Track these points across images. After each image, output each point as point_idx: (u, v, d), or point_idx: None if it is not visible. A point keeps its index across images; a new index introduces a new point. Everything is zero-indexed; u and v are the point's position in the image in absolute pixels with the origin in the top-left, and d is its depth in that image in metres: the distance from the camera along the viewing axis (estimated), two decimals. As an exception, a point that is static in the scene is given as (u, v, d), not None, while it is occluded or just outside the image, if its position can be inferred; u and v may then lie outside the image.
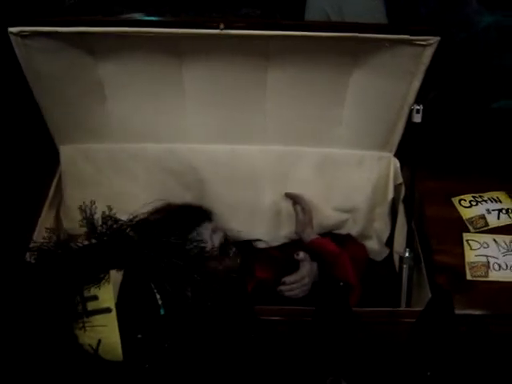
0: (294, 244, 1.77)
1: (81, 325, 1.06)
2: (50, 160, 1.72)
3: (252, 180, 1.76)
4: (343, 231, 1.81)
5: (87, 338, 1.07)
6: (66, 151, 1.70)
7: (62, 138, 1.68)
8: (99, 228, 1.04)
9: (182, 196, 1.75)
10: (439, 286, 1.41)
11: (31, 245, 1.08)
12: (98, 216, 1.10)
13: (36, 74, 1.48)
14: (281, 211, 1.79)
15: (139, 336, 1.07)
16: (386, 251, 1.79)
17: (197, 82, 1.56)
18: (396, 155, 1.72)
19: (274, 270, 1.69)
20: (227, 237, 1.66)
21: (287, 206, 1.77)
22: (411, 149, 1.55)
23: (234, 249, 1.64)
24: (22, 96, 1.55)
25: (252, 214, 1.78)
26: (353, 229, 1.80)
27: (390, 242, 1.77)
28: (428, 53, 1.41)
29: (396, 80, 1.51)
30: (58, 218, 1.74)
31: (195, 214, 1.65)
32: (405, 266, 1.55)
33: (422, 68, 1.45)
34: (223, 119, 1.66)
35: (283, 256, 1.75)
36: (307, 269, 1.52)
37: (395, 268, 1.69)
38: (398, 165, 1.72)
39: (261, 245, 1.82)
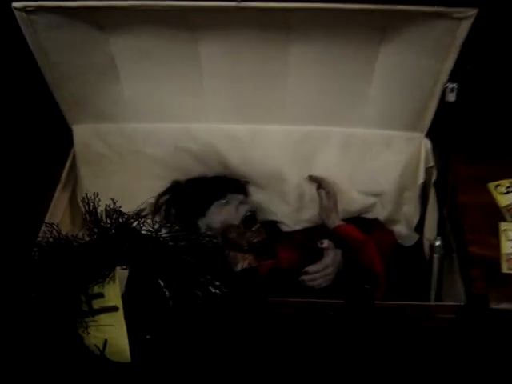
0: (318, 228, 1.69)
1: (86, 324, 1.00)
2: (64, 141, 1.65)
3: (273, 161, 1.67)
4: (370, 215, 1.72)
5: (93, 338, 1.01)
6: (78, 131, 1.63)
7: (74, 117, 1.61)
8: (103, 222, 0.96)
9: (202, 174, 1.69)
10: (472, 292, 1.31)
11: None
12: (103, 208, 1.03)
13: (43, 50, 1.40)
14: (304, 194, 1.70)
15: (148, 337, 1.00)
16: (416, 237, 1.69)
17: (214, 58, 1.46)
18: (428, 136, 1.60)
19: (297, 253, 1.62)
20: (255, 213, 1.63)
21: (310, 188, 1.68)
22: (445, 130, 1.45)
23: (258, 225, 1.60)
24: (33, 75, 1.47)
25: (274, 196, 1.70)
26: (380, 213, 1.71)
27: (419, 228, 1.67)
28: (464, 26, 1.29)
29: (428, 56, 1.39)
30: (72, 201, 1.68)
31: (229, 183, 1.65)
32: (435, 255, 1.46)
33: (458, 43, 1.33)
34: (242, 98, 1.56)
35: (307, 241, 1.67)
36: (331, 257, 1.43)
37: (425, 255, 1.60)
38: (430, 146, 1.61)
39: (284, 228, 1.74)
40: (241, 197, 1.63)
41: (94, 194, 1.00)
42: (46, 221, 1.49)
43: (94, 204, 0.98)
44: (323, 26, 1.36)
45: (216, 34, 1.40)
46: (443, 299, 1.44)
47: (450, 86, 1.38)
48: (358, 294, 1.06)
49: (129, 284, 1.00)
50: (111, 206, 0.97)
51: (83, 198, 1.00)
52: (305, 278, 1.42)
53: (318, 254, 1.45)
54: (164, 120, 1.62)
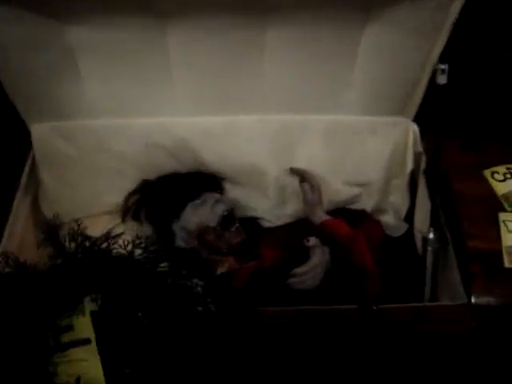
0: (302, 223, 1.58)
1: (55, 361, 0.88)
2: (22, 142, 1.51)
3: (252, 154, 1.55)
4: (357, 206, 1.62)
5: (64, 376, 0.89)
6: (38, 130, 1.49)
7: (32, 115, 1.47)
8: (67, 246, 0.83)
9: (175, 171, 1.57)
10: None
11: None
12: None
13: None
14: (285, 187, 1.59)
15: (127, 371, 0.89)
16: (405, 227, 1.59)
17: (183, 46, 1.34)
18: (416, 121, 1.50)
19: (281, 251, 1.51)
20: (233, 211, 1.51)
21: (292, 181, 1.57)
22: (435, 114, 1.35)
23: (237, 224, 1.49)
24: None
25: (253, 190, 1.59)
26: (367, 203, 1.61)
27: (409, 219, 1.58)
28: (457, 4, 1.18)
29: (417, 36, 1.29)
30: (34, 209, 1.55)
31: (204, 180, 1.53)
32: (429, 248, 1.37)
33: (450, 21, 1.22)
34: (216, 88, 1.44)
35: (290, 237, 1.56)
36: (319, 257, 1.34)
37: (417, 248, 1.51)
38: (417, 131, 1.51)
39: (266, 224, 1.63)
40: (217, 195, 1.51)
41: (53, 216, 0.87)
42: (6, 231, 1.37)
43: (55, 225, 0.85)
44: (302, 7, 1.25)
45: (185, 19, 1.27)
46: (439, 297, 1.35)
47: (441, 67, 1.28)
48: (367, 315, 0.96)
49: (101, 313, 0.88)
50: (75, 228, 0.84)
51: (40, 220, 0.87)
52: (292, 280, 1.32)
53: (303, 251, 1.35)
54: (132, 115, 1.49)
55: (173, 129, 1.51)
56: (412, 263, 1.46)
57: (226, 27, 1.29)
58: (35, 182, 1.54)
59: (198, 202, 1.48)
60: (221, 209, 1.48)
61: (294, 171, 1.55)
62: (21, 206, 1.47)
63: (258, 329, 1.10)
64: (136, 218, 1.55)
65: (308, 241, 1.34)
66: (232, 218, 1.49)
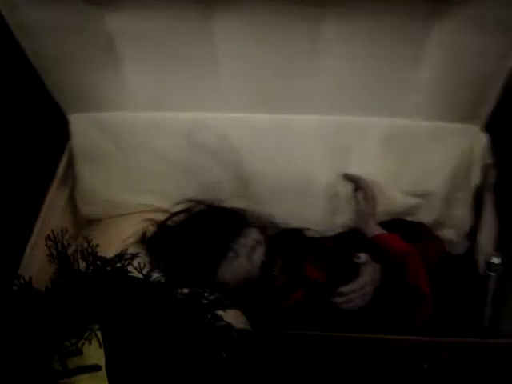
0: (352, 235, 1.45)
1: (61, 386, 0.79)
2: (61, 132, 1.42)
3: (302, 157, 1.42)
4: (414, 218, 1.48)
5: (70, 403, 0.80)
6: (76, 120, 1.40)
7: (71, 105, 1.38)
8: (77, 266, 0.74)
9: (215, 175, 1.45)
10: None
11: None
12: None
13: (28, 32, 1.18)
14: (338, 195, 1.45)
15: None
16: (466, 244, 1.45)
17: (230, 36, 1.22)
18: (488, 131, 1.35)
19: (327, 268, 1.39)
20: (269, 247, 1.33)
21: (345, 188, 1.44)
22: (509, 124, 1.20)
23: (278, 263, 1.32)
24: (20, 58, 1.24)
25: (302, 198, 1.46)
26: (426, 216, 1.46)
27: (472, 237, 1.43)
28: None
29: (493, 35, 1.14)
30: (71, 201, 1.47)
31: (229, 225, 1.34)
32: (492, 274, 1.23)
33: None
34: (265, 83, 1.31)
35: (339, 248, 1.44)
36: (369, 274, 1.21)
37: (478, 269, 1.36)
38: (487, 141, 1.35)
39: (312, 233, 1.51)
40: (249, 241, 1.30)
41: (62, 231, 0.77)
42: (39, 222, 1.30)
43: (63, 244, 0.75)
44: (363, -1, 1.11)
45: (232, 7, 1.15)
46: (500, 328, 1.22)
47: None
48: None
49: (113, 339, 0.78)
50: (85, 246, 0.74)
51: (48, 234, 0.78)
52: (338, 300, 1.20)
53: (353, 267, 1.23)
54: (173, 108, 1.38)
55: (217, 125, 1.40)
56: (472, 286, 1.32)
57: (277, 17, 1.17)
58: (72, 174, 1.45)
59: (231, 255, 1.29)
60: (258, 257, 1.29)
61: (348, 178, 1.42)
62: (55, 200, 1.40)
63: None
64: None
65: (358, 257, 1.21)
66: (272, 258, 1.31)
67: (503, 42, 1.14)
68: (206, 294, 0.78)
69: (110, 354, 0.78)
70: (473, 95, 1.28)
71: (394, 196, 1.44)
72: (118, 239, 1.38)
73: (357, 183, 1.40)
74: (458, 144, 1.37)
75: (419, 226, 1.46)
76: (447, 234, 1.47)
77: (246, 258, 1.28)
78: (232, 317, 1.25)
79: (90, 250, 0.74)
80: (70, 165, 1.44)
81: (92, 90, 1.35)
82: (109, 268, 0.74)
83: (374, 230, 1.36)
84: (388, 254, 1.30)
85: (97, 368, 0.79)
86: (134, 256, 0.77)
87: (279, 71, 1.29)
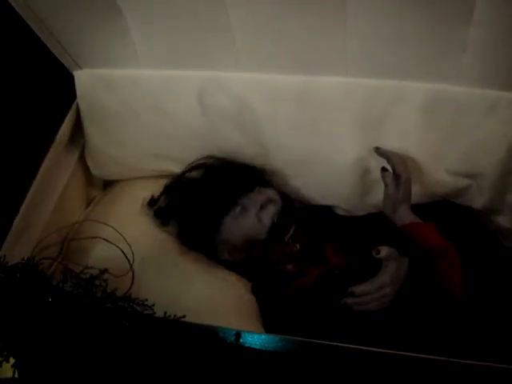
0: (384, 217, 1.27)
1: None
2: (63, 91, 1.30)
3: (329, 126, 1.23)
4: (461, 201, 1.27)
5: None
6: (81, 77, 1.27)
7: (74, 61, 1.24)
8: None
9: (234, 140, 1.29)
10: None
11: None
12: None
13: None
14: (369, 170, 1.26)
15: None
16: (523, 235, 1.23)
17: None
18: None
19: (349, 252, 1.22)
20: (287, 211, 1.19)
21: (378, 163, 1.24)
22: None
23: (292, 229, 1.17)
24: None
25: (328, 172, 1.28)
26: (476, 200, 1.26)
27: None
28: None
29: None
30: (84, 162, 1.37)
31: (241, 179, 1.22)
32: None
33: None
34: (285, 38, 1.12)
35: (366, 232, 1.26)
36: (391, 273, 1.02)
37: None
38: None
39: (342, 212, 1.33)
40: (261, 197, 1.18)
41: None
42: (39, 181, 1.20)
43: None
44: None
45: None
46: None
47: None
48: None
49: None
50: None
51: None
52: (349, 301, 1.03)
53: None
54: (185, 66, 1.22)
55: (232, 86, 1.22)
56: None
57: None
58: (82, 135, 1.34)
59: (237, 211, 1.18)
60: (269, 216, 1.17)
61: (379, 153, 1.22)
62: (61, 161, 1.29)
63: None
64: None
65: (378, 251, 1.02)
66: (286, 221, 1.18)
67: None
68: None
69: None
70: (536, 58, 1.04)
71: (437, 175, 1.24)
72: (134, 203, 1.32)
73: (388, 158, 1.20)
74: (515, 118, 1.13)
75: (465, 211, 1.25)
76: (500, 221, 1.27)
77: (254, 214, 1.17)
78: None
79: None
80: (78, 126, 1.33)
81: (96, 45, 1.21)
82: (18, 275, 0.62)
83: (405, 217, 1.17)
84: (418, 248, 1.12)
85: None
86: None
87: (300, 25, 1.09)
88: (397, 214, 1.18)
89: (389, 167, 1.21)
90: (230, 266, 1.24)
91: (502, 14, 0.98)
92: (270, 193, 1.21)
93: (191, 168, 1.30)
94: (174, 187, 1.30)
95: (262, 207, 1.17)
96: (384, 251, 1.01)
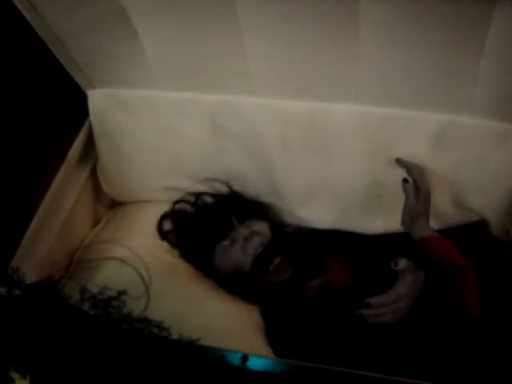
0: (396, 237, 1.28)
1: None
2: (76, 109, 1.32)
3: (339, 152, 1.25)
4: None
5: None
6: (94, 96, 1.29)
7: (88, 81, 1.26)
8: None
9: (242, 164, 1.31)
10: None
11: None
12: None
13: (40, 7, 1.06)
14: (379, 196, 1.27)
15: None
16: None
17: (254, 11, 1.04)
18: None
19: (357, 268, 1.23)
20: (274, 243, 1.21)
21: (391, 188, 1.24)
22: None
23: (276, 260, 1.18)
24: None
25: (338, 197, 1.29)
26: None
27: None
28: None
29: None
30: (92, 181, 1.39)
31: (233, 213, 1.25)
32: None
33: None
34: (299, 66, 1.13)
35: (375, 249, 1.27)
36: (407, 285, 1.03)
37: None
38: None
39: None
40: (245, 230, 1.21)
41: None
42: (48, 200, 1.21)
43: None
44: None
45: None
46: None
47: None
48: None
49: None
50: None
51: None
52: (365, 312, 1.03)
53: (389, 273, 1.05)
54: (198, 89, 1.23)
55: (244, 110, 1.24)
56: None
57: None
58: (90, 154, 1.36)
59: (226, 242, 1.22)
60: (253, 247, 1.19)
61: (401, 164, 1.22)
62: (70, 180, 1.30)
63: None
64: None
65: (396, 263, 1.03)
66: (271, 252, 1.19)
67: None
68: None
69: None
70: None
71: (446, 209, 1.25)
72: (144, 223, 1.34)
73: (409, 172, 1.21)
74: (525, 150, 1.15)
75: (482, 235, 1.26)
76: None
77: (239, 247, 1.20)
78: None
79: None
80: (90, 143, 1.34)
81: (111, 66, 1.23)
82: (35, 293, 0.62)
83: (423, 230, 1.17)
84: (436, 263, 1.12)
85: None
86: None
87: (313, 52, 1.10)
88: (415, 227, 1.18)
89: (410, 179, 1.21)
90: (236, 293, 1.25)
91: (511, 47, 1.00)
92: (258, 225, 1.23)
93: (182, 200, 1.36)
94: (175, 215, 1.35)
95: (246, 240, 1.20)
96: (402, 263, 1.02)
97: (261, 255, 1.18)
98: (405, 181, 1.22)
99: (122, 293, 0.68)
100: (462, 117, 1.16)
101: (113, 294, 0.67)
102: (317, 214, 1.32)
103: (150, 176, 1.37)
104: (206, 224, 1.26)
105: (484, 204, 1.22)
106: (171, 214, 1.34)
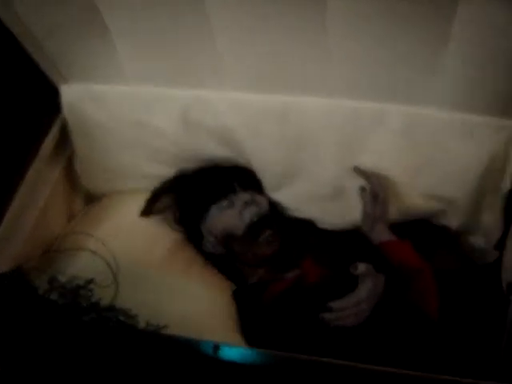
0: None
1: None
2: (48, 105, 1.32)
3: (310, 145, 1.27)
4: (436, 222, 1.30)
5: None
6: (67, 92, 1.29)
7: (60, 75, 1.26)
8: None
9: (217, 154, 1.34)
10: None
11: None
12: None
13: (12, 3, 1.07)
14: (348, 188, 1.29)
15: None
16: (495, 255, 1.27)
17: (223, 6, 1.06)
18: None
19: (328, 267, 1.25)
20: (267, 217, 1.25)
21: (354, 183, 1.27)
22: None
23: (267, 233, 1.23)
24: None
25: (309, 188, 1.32)
26: (450, 221, 1.29)
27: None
28: None
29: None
30: (67, 177, 1.39)
31: (239, 177, 1.29)
32: (513, 298, 1.05)
33: None
34: (268, 60, 1.15)
35: (345, 248, 1.29)
36: (368, 289, 1.05)
37: (503, 287, 1.18)
38: (526, 139, 1.15)
39: (326, 226, 1.36)
40: (247, 196, 1.26)
41: None
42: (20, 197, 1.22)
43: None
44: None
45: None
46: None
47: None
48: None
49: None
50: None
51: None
52: (326, 316, 1.05)
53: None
54: (170, 84, 1.25)
55: (216, 105, 1.26)
56: (493, 306, 1.14)
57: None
58: (64, 150, 1.36)
59: (224, 203, 1.25)
60: (249, 214, 1.24)
61: (358, 171, 1.25)
62: (43, 175, 1.30)
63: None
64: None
65: (356, 268, 1.04)
66: (264, 224, 1.23)
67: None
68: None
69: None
70: (508, 84, 1.08)
71: (412, 198, 1.28)
72: (119, 216, 1.35)
73: (367, 178, 1.24)
74: (490, 141, 1.18)
75: (441, 232, 1.29)
76: (475, 240, 1.31)
77: (238, 211, 1.25)
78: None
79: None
80: (63, 138, 1.34)
81: (83, 61, 1.24)
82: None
83: (381, 235, 1.21)
84: (394, 266, 1.15)
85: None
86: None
87: (283, 47, 1.13)
88: (374, 232, 1.22)
89: (367, 186, 1.24)
90: (215, 262, 1.29)
91: (477, 41, 1.02)
92: (259, 198, 1.28)
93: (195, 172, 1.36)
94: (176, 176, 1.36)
95: (246, 205, 1.24)
96: (361, 268, 1.04)
97: (255, 223, 1.23)
98: (362, 189, 1.26)
99: (89, 281, 0.69)
100: (429, 109, 1.19)
101: (81, 283, 0.68)
102: (290, 201, 1.34)
103: (128, 165, 1.38)
104: (208, 183, 1.29)
105: (451, 194, 1.24)
106: (169, 181, 1.36)
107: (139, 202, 1.36)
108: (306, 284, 1.22)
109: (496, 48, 1.02)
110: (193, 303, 1.17)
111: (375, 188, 1.22)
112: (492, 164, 1.18)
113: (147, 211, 1.32)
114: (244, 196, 1.27)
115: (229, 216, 1.25)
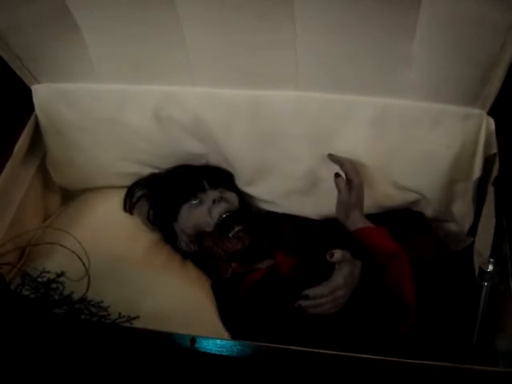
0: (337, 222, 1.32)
1: None
2: (21, 104, 1.32)
3: (282, 138, 1.27)
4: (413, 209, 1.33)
5: None
6: (39, 92, 1.29)
7: (31, 75, 1.26)
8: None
9: (192, 149, 1.35)
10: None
11: None
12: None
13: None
14: (321, 180, 1.31)
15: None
16: (468, 240, 1.30)
17: (194, 2, 1.07)
18: (491, 115, 1.16)
19: (300, 257, 1.26)
20: (237, 212, 1.26)
21: (328, 175, 1.28)
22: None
23: (237, 228, 1.24)
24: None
25: (281, 183, 1.33)
26: (424, 210, 1.32)
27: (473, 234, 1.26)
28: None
29: (496, 5, 0.95)
30: (42, 176, 1.39)
31: (201, 176, 1.31)
32: (486, 283, 1.07)
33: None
34: (237, 55, 1.16)
35: (321, 236, 1.31)
36: (345, 275, 1.06)
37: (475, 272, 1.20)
38: (493, 127, 1.17)
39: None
40: (216, 194, 1.28)
41: None
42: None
43: None
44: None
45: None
46: (496, 343, 1.06)
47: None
48: None
49: None
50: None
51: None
52: (303, 303, 1.07)
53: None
54: (141, 81, 1.25)
55: (187, 100, 1.26)
56: (466, 291, 1.16)
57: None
58: (38, 149, 1.36)
59: (194, 202, 1.28)
60: (219, 210, 1.25)
61: (333, 159, 1.26)
62: (17, 175, 1.30)
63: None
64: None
65: (332, 255, 1.05)
66: (234, 220, 1.24)
67: (505, 14, 0.95)
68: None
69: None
70: (476, 74, 1.09)
71: (385, 188, 1.29)
72: (95, 214, 1.36)
73: (341, 165, 1.25)
74: (459, 130, 1.19)
75: (416, 217, 1.31)
76: (448, 227, 1.34)
77: (207, 208, 1.27)
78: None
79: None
80: (36, 138, 1.34)
81: (54, 60, 1.23)
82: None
83: (357, 222, 1.22)
84: (370, 252, 1.16)
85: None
86: None
87: (251, 41, 1.13)
88: (349, 219, 1.23)
89: (342, 173, 1.26)
90: (192, 259, 1.33)
91: (443, 31, 1.04)
92: (228, 194, 1.30)
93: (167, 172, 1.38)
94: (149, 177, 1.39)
95: (215, 203, 1.26)
96: (337, 254, 1.04)
97: (225, 219, 1.24)
98: (336, 175, 1.27)
99: (60, 275, 0.70)
100: (399, 100, 1.19)
101: (52, 276, 0.69)
102: (266, 196, 1.36)
103: (101, 163, 1.38)
104: (178, 183, 1.31)
105: (423, 184, 1.26)
106: (144, 179, 1.38)
107: (115, 199, 1.38)
108: (279, 274, 1.23)
109: (463, 39, 1.04)
110: (172, 297, 1.18)
111: (350, 173, 1.23)
112: (462, 152, 1.20)
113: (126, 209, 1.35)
114: (213, 193, 1.29)
115: (198, 214, 1.26)
